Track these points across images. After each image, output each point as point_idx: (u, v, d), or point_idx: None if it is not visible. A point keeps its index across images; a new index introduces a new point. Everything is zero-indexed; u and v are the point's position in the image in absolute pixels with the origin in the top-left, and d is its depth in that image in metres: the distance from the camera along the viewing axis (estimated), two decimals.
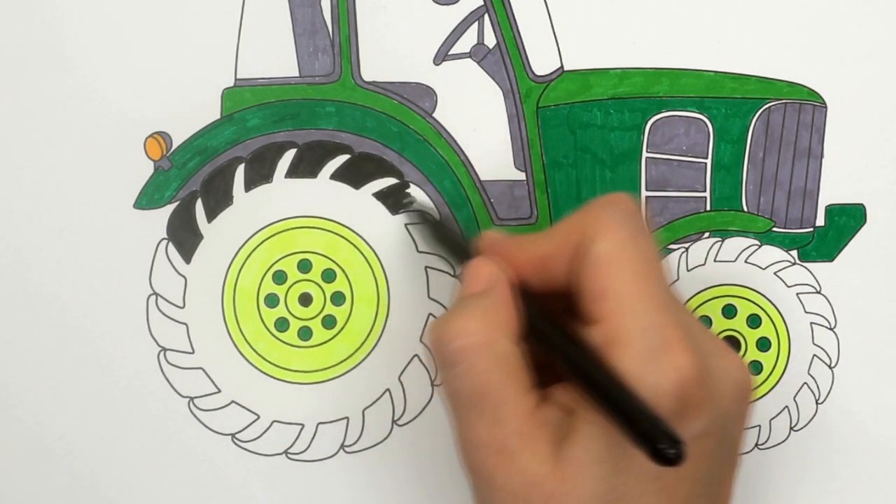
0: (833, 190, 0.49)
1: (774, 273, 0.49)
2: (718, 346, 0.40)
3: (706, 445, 0.38)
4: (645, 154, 0.49)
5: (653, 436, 0.34)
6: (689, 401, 0.37)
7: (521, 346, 0.40)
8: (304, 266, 0.49)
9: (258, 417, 0.49)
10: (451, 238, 0.46)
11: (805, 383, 0.49)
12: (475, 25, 0.49)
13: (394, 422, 0.49)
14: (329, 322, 0.49)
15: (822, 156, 0.49)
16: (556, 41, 0.49)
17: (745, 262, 0.49)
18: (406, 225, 0.49)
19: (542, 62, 0.49)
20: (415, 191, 0.49)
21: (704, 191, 0.49)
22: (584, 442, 0.37)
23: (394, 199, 0.49)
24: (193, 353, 0.49)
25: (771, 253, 0.49)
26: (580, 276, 0.39)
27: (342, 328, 0.49)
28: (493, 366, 0.39)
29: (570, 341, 0.39)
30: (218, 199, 0.49)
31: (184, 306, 0.49)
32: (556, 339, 0.39)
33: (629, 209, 0.40)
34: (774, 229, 0.49)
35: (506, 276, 0.41)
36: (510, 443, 0.38)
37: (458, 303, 0.41)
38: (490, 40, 0.49)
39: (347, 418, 0.49)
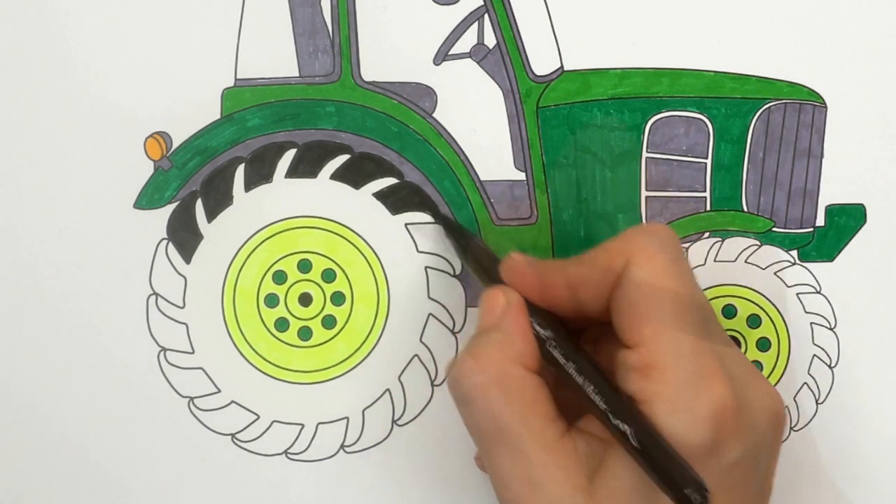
0: (833, 190, 0.49)
1: (774, 273, 0.49)
2: (754, 376, 0.40)
3: (739, 475, 0.38)
4: (645, 154, 0.49)
5: (679, 481, 0.34)
6: (724, 430, 0.37)
7: (543, 372, 0.40)
8: (304, 266, 0.49)
9: (258, 417, 0.49)
10: (480, 258, 0.46)
11: (805, 383, 0.49)
12: (475, 25, 0.49)
13: (394, 422, 0.49)
14: (329, 322, 0.49)
15: (822, 156, 0.49)
16: (556, 41, 0.49)
17: (745, 262, 0.49)
18: (406, 225, 0.49)
19: (542, 62, 0.49)
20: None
21: (704, 191, 0.49)
22: (617, 473, 0.37)
23: (394, 199, 0.49)
24: (193, 353, 0.49)
25: (771, 253, 0.49)
26: (617, 301, 0.39)
27: (342, 328, 0.49)
28: (508, 399, 0.39)
29: (593, 374, 0.39)
30: (218, 199, 0.49)
31: (184, 306, 0.49)
32: (577, 373, 0.39)
33: (668, 237, 0.40)
34: (774, 229, 0.49)
35: (521, 303, 0.41)
36: (536, 475, 0.38)
37: (472, 340, 0.41)
38: (490, 40, 0.49)
39: (347, 418, 0.49)
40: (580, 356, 0.40)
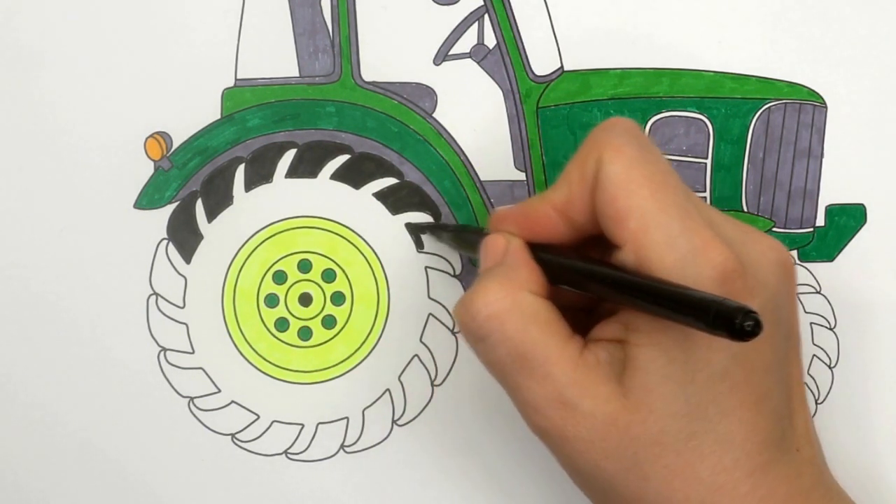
0: (833, 190, 0.49)
1: None
2: (749, 233, 0.40)
3: (765, 332, 0.37)
4: None
5: (725, 315, 0.32)
6: (734, 293, 0.36)
7: (551, 298, 0.39)
8: (304, 266, 0.49)
9: (258, 417, 0.49)
10: (466, 234, 0.46)
11: (805, 383, 0.49)
12: (475, 25, 0.49)
13: (394, 422, 0.49)
14: (329, 322, 0.49)
15: (822, 156, 0.49)
16: (556, 41, 0.49)
17: None
18: (406, 225, 0.49)
19: (542, 62, 0.49)
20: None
21: (704, 191, 0.49)
22: (644, 366, 0.37)
23: (394, 199, 0.49)
24: (193, 353, 0.49)
25: None
26: (599, 204, 0.38)
27: (342, 328, 0.49)
28: (525, 324, 0.38)
29: (607, 268, 0.38)
30: (218, 199, 0.49)
31: (184, 306, 0.49)
32: (593, 272, 0.38)
33: (629, 127, 0.40)
34: (774, 229, 0.49)
35: (521, 242, 0.41)
36: (567, 394, 0.38)
37: (476, 280, 0.40)
38: (490, 40, 0.49)
39: (347, 418, 0.49)
40: (588, 262, 0.39)
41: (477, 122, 0.49)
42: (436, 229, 0.48)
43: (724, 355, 0.37)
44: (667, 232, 0.37)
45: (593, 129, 0.40)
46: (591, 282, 0.38)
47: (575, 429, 0.38)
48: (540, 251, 0.40)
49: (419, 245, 0.49)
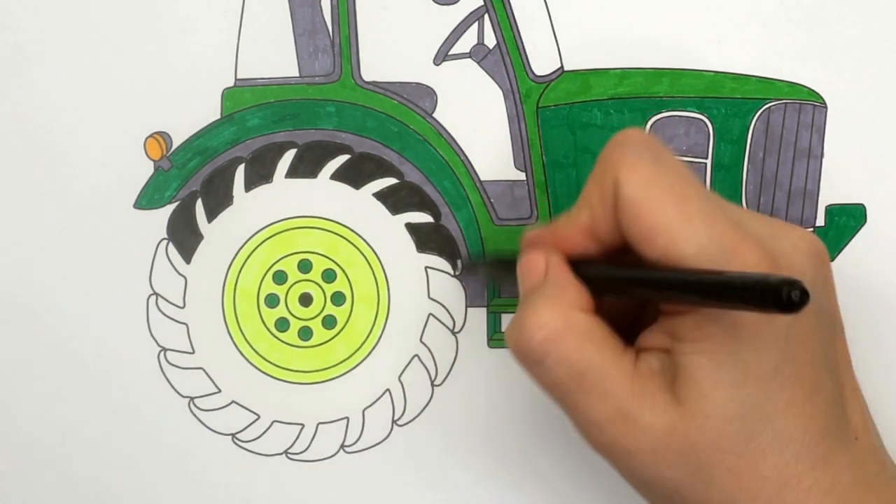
0: (833, 190, 0.49)
1: None
2: (779, 227, 0.39)
3: (808, 323, 0.38)
4: None
5: (772, 289, 0.31)
6: None
7: (598, 314, 0.39)
8: (305, 266, 0.49)
9: (258, 417, 0.49)
10: (498, 261, 0.46)
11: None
12: (475, 25, 0.49)
13: (394, 422, 0.49)
14: (329, 322, 0.49)
15: (822, 156, 0.49)
16: (556, 41, 0.49)
17: None
18: (406, 225, 0.49)
19: (542, 62, 0.49)
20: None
21: None
22: (694, 373, 0.37)
23: (394, 199, 0.49)
24: (193, 353, 0.49)
25: None
26: (624, 225, 0.38)
27: (342, 328, 0.49)
28: (581, 343, 0.38)
29: (646, 270, 0.38)
30: (218, 199, 0.49)
31: (184, 306, 0.49)
32: (633, 276, 0.38)
33: (641, 140, 0.39)
34: None
35: (561, 257, 0.40)
36: (626, 407, 0.38)
37: (522, 301, 0.40)
38: (490, 40, 0.49)
39: (347, 418, 0.49)
40: (624, 267, 0.39)
41: (477, 122, 0.49)
42: (471, 267, 0.48)
43: (772, 353, 0.37)
44: (696, 244, 0.37)
45: (606, 145, 0.40)
46: (634, 286, 0.38)
47: (637, 441, 0.38)
48: (578, 266, 0.40)
49: (419, 245, 0.49)
